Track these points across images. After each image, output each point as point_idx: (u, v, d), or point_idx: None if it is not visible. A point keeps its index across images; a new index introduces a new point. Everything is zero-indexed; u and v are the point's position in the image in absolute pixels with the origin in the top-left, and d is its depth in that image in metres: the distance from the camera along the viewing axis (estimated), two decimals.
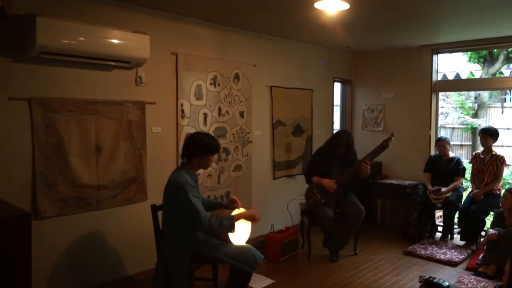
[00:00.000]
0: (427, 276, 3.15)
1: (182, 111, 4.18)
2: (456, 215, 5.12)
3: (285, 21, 4.35)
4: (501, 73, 9.21)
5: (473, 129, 9.59)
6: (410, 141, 5.86)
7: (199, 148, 2.92)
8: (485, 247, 4.11)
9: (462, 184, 5.13)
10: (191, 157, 2.95)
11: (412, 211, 5.49)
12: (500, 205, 4.44)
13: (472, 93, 9.77)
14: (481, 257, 4.10)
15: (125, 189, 3.72)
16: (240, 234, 3.11)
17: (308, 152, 5.67)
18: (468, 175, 5.54)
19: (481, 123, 9.42)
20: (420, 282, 3.19)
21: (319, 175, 4.38)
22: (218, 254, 2.90)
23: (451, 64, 10.10)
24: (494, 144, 4.93)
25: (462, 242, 4.87)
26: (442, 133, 9.60)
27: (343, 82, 6.52)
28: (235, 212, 3.05)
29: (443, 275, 3.98)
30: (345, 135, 4.43)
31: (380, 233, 5.45)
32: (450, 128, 10.15)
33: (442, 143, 5.17)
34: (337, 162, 4.40)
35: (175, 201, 2.84)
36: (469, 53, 8.95)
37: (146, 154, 3.87)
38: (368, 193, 5.68)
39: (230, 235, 2.99)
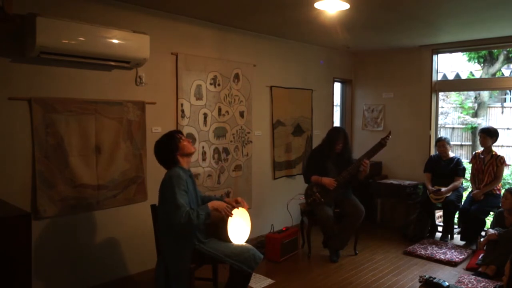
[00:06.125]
0: (427, 276, 3.16)
1: (182, 111, 4.18)
2: (456, 215, 5.12)
3: (285, 21, 4.34)
4: (501, 73, 9.21)
5: (473, 129, 9.58)
6: (410, 141, 5.87)
7: (168, 147, 2.97)
8: (485, 247, 4.11)
9: (462, 184, 5.13)
10: (173, 158, 2.98)
11: (412, 211, 5.48)
12: (500, 205, 4.44)
13: (472, 93, 9.76)
14: (481, 257, 4.10)
15: (125, 189, 3.72)
16: (240, 234, 3.11)
17: (308, 152, 5.66)
18: (468, 175, 5.54)
19: (481, 122, 9.42)
20: (420, 282, 3.19)
21: (316, 175, 4.39)
22: (218, 254, 2.90)
23: (451, 64, 10.11)
24: (494, 144, 4.93)
25: (462, 242, 4.87)
26: (442, 133, 9.59)
27: (343, 82, 6.52)
28: (234, 211, 3.06)
29: (443, 275, 3.98)
30: (340, 130, 4.52)
31: (380, 233, 5.45)
32: (450, 128, 10.15)
33: (442, 143, 5.16)
34: (334, 161, 4.42)
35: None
36: (469, 53, 8.95)
37: (146, 154, 3.87)
38: (368, 193, 5.68)
39: (230, 235, 3.00)
